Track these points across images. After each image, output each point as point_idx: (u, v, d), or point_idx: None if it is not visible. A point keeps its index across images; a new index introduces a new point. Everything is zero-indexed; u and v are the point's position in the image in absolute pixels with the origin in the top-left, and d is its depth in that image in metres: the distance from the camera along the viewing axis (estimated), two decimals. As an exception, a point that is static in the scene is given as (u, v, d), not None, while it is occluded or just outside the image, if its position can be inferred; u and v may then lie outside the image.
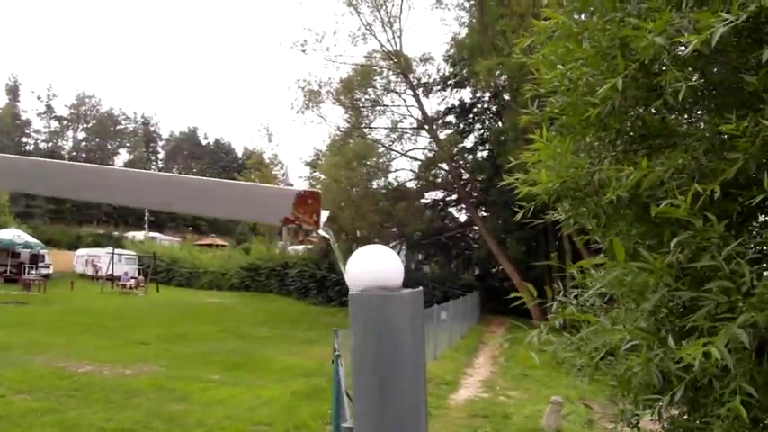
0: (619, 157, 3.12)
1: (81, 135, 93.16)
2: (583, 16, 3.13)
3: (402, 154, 34.15)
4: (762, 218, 2.87)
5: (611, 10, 2.87)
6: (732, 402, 2.13)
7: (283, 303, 35.39)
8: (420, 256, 40.66)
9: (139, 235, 60.37)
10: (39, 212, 66.62)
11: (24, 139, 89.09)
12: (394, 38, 30.11)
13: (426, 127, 32.67)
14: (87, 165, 1.30)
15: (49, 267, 39.28)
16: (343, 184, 30.06)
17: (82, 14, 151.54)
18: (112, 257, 40.05)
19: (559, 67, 3.14)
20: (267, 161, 60.76)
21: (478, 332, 25.91)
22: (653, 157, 2.86)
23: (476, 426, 10.44)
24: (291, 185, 56.95)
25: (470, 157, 36.77)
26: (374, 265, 1.14)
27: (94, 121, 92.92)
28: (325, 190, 30.54)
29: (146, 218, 63.05)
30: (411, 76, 31.52)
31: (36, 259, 38.49)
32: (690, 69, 2.76)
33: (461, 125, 36.53)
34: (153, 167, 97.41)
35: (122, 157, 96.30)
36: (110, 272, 39.01)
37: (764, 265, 2.52)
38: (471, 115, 36.76)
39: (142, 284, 38.01)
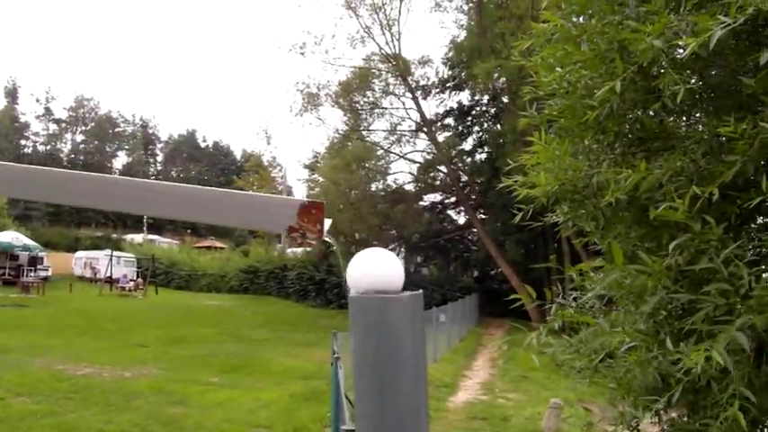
0: (617, 159, 3.13)
1: (79, 138, 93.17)
2: (581, 19, 3.14)
3: (401, 156, 34.20)
4: (760, 220, 2.88)
5: (609, 13, 2.87)
6: (731, 408, 2.13)
7: (282, 306, 35.37)
8: (419, 259, 40.64)
9: (138, 237, 60.35)
10: (37, 215, 66.58)
11: (23, 142, 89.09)
12: (393, 41, 30.19)
13: (425, 129, 32.71)
14: (95, 174, 1.31)
15: (47, 270, 39.27)
16: (341, 187, 30.07)
17: (80, 17, 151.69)
18: (111, 260, 40.03)
19: (558, 69, 3.15)
20: (266, 164, 60.94)
21: (477, 334, 25.89)
22: (651, 160, 2.87)
23: (475, 428, 10.43)
24: (290, 188, 57.00)
25: (469, 159, 36.80)
26: (375, 269, 1.14)
27: (93, 124, 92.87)
28: (323, 192, 30.63)
29: (144, 220, 63.00)
30: (410, 79, 31.56)
31: (35, 262, 38.49)
32: (688, 72, 2.77)
33: (460, 128, 36.54)
34: (151, 170, 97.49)
35: (121, 159, 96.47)
36: (108, 274, 38.98)
37: (763, 267, 2.53)
38: (470, 118, 36.77)
39: (141, 287, 37.99)
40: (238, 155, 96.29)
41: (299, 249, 39.78)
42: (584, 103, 2.93)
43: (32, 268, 37.67)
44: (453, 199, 36.69)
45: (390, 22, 29.91)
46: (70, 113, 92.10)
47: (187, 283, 44.40)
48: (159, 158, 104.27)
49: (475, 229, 34.69)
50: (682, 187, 2.52)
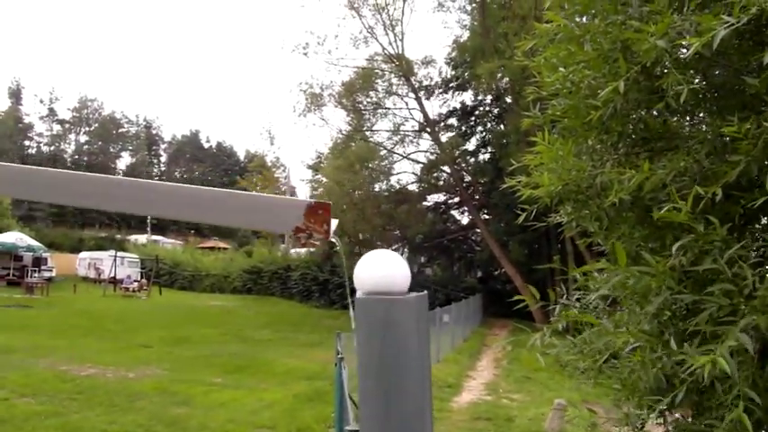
0: (621, 159, 3.12)
1: (83, 138, 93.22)
2: (584, 19, 3.14)
3: (404, 157, 34.20)
4: (764, 220, 2.87)
5: (612, 13, 2.87)
6: (735, 410, 2.13)
7: (286, 306, 35.38)
8: (422, 259, 40.60)
9: (142, 238, 60.44)
10: (41, 215, 66.67)
11: (27, 143, 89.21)
12: (396, 41, 30.22)
13: (428, 130, 32.70)
14: (99, 175, 1.32)
15: (51, 270, 39.37)
16: (345, 187, 30.08)
17: (84, 18, 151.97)
18: (115, 260, 40.12)
19: (561, 69, 3.14)
20: (269, 164, 61.05)
21: (481, 335, 25.87)
22: (655, 160, 2.87)
23: (479, 429, 10.43)
24: (294, 188, 57.04)
25: (472, 159, 36.77)
26: (381, 270, 1.15)
27: (97, 125, 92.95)
28: (327, 193, 30.64)
29: (148, 221, 63.10)
30: (413, 79, 31.57)
31: (39, 262, 38.58)
32: (691, 72, 2.77)
33: (463, 128, 36.55)
34: (155, 170, 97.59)
35: (124, 160, 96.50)
36: (112, 275, 39.07)
37: (767, 267, 2.52)
38: (473, 118, 36.78)
39: (145, 287, 38.06)
40: (242, 155, 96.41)
41: (303, 250, 39.84)
42: (588, 103, 2.93)
43: (36, 269, 37.77)
44: (457, 199, 36.69)
45: (393, 23, 29.97)
46: (74, 114, 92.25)
47: (191, 284, 44.47)
48: (163, 159, 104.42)
49: (478, 230, 34.69)
50: (685, 187, 2.51)
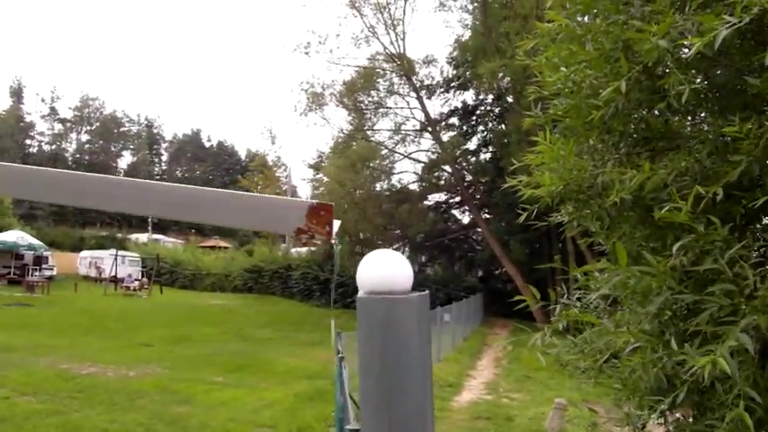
0: (622, 159, 3.12)
1: (84, 137, 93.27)
2: (586, 18, 3.13)
3: (405, 156, 34.19)
4: (766, 220, 2.87)
5: (614, 12, 2.87)
6: (736, 409, 2.13)
7: (286, 305, 35.40)
8: (423, 258, 40.60)
9: (143, 237, 60.50)
10: (42, 214, 66.71)
11: (28, 142, 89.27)
12: (397, 40, 30.21)
13: (429, 129, 32.69)
14: (100, 176, 1.32)
15: (52, 269, 39.43)
16: (346, 187, 30.07)
17: (86, 17, 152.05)
18: (116, 259, 40.13)
19: (563, 69, 3.14)
20: (270, 163, 61.02)
21: (482, 334, 25.88)
22: (656, 160, 2.86)
23: (479, 428, 10.43)
24: (295, 187, 57.06)
25: (473, 159, 36.76)
26: (383, 270, 1.15)
27: (98, 124, 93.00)
28: (328, 192, 30.65)
29: (149, 220, 63.13)
30: (414, 79, 31.56)
31: (40, 261, 38.63)
32: (693, 72, 2.76)
33: (464, 127, 36.54)
34: (156, 169, 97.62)
35: (126, 159, 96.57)
36: (113, 274, 39.09)
37: (768, 267, 2.52)
38: (474, 117, 36.78)
39: (145, 286, 38.08)
40: (243, 155, 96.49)
41: (304, 249, 39.87)
42: (589, 102, 2.93)
43: (37, 267, 37.81)
44: (458, 199, 36.69)
45: (395, 22, 29.97)
46: (75, 113, 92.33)
47: (191, 283, 44.50)
48: (164, 158, 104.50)
49: (479, 229, 34.69)
50: (687, 187, 2.51)
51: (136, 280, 38.92)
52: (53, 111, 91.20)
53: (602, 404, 7.36)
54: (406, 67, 30.39)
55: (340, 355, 7.39)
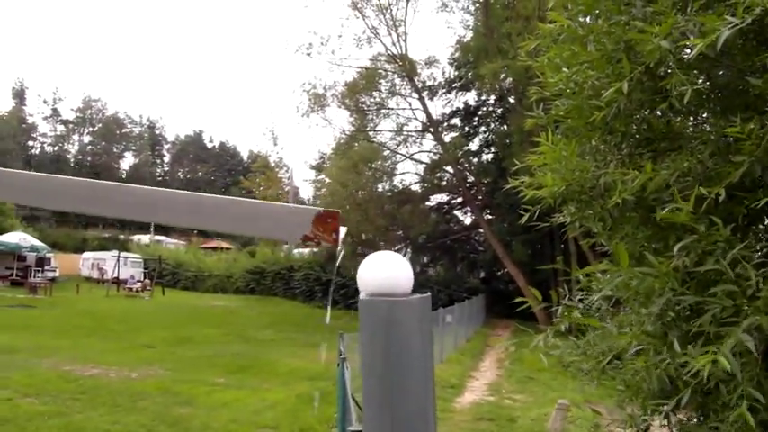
0: (624, 160, 3.12)
1: (87, 139, 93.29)
2: (588, 19, 3.13)
3: (407, 157, 34.16)
4: (768, 221, 2.87)
5: (616, 13, 2.87)
6: (739, 408, 2.13)
7: (288, 306, 35.40)
8: (425, 259, 40.59)
9: (145, 238, 60.49)
10: (45, 216, 66.72)
11: (30, 143, 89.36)
12: (399, 41, 30.21)
13: (431, 130, 32.68)
14: (102, 182, 1.32)
15: (55, 271, 39.45)
16: (348, 188, 30.05)
17: (88, 18, 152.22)
18: (118, 261, 40.12)
19: (565, 70, 3.14)
20: (272, 164, 61.01)
21: (484, 335, 25.86)
22: (658, 161, 2.86)
23: (481, 429, 10.42)
24: (297, 189, 57.08)
25: (475, 159, 36.75)
26: (384, 271, 1.15)
27: (100, 125, 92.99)
28: (330, 193, 30.65)
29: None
30: (416, 80, 31.55)
31: (42, 263, 38.67)
32: (695, 72, 2.76)
33: (466, 128, 36.53)
34: (158, 171, 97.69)
35: (128, 160, 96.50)
36: (115, 275, 39.08)
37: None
38: (476, 118, 36.76)
39: (148, 288, 38.09)
40: (245, 156, 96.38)
41: (306, 250, 39.82)
42: (591, 103, 2.93)
43: (40, 269, 37.85)
44: (460, 199, 36.65)
45: (397, 23, 29.97)
46: (77, 114, 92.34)
47: (194, 284, 44.50)
48: (166, 159, 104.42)
49: (481, 230, 34.65)
50: (689, 188, 2.51)
51: (138, 281, 38.96)
52: (55, 112, 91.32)
53: (605, 405, 7.35)
54: (407, 68, 30.39)
55: (342, 356, 7.39)
